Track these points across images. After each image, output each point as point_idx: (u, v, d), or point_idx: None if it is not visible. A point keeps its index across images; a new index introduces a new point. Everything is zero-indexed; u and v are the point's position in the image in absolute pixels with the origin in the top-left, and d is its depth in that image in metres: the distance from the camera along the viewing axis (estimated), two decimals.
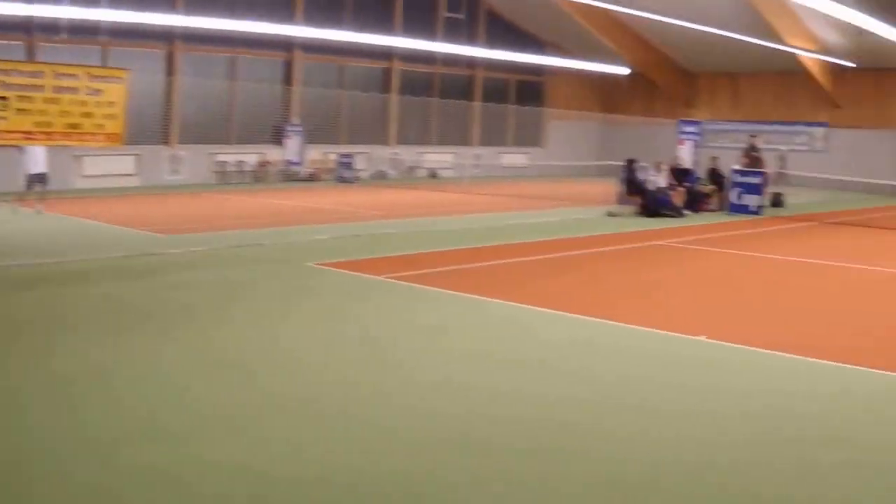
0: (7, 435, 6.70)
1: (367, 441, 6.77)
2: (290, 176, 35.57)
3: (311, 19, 34.28)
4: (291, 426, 7.13)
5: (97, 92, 25.85)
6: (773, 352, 9.75)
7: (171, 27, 31.31)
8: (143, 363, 8.80)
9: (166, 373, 8.53)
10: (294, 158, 35.85)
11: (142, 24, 28.93)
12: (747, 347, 9.93)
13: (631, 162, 25.94)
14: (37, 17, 27.56)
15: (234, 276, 13.99)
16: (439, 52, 39.28)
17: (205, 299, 12.19)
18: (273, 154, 35.80)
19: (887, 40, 29.46)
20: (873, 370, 9.12)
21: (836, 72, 40.12)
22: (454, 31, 40.86)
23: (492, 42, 40.91)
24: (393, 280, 13.53)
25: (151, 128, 32.67)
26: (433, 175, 39.82)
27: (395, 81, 39.89)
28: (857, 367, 9.22)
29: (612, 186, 26.76)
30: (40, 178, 22.47)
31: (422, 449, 6.69)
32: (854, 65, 38.35)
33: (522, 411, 7.59)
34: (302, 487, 5.96)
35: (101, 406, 7.53)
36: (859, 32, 30.53)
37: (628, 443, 6.88)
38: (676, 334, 10.48)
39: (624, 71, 42.92)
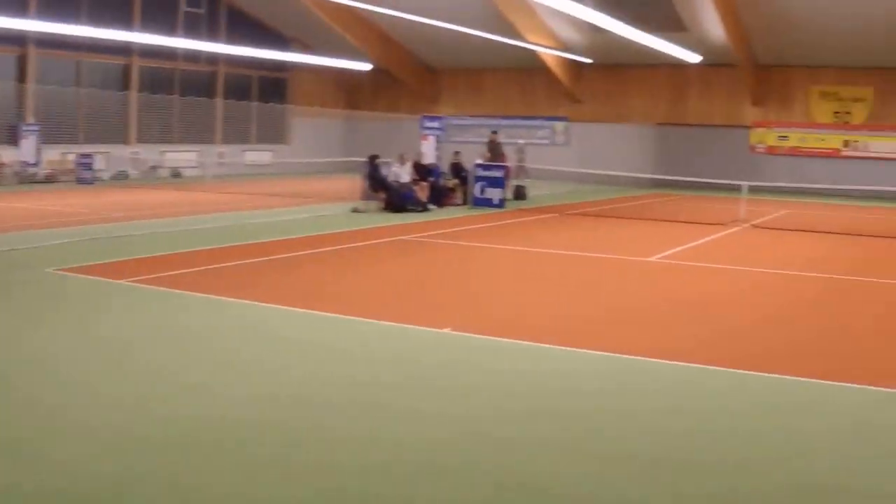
0: None
1: (120, 449, 6.52)
2: (27, 178, 34.15)
3: (46, 12, 32.89)
4: (37, 438, 6.71)
5: None
6: (511, 340, 9.98)
7: None
8: None
9: None
10: (30, 159, 34.45)
11: None
12: (489, 337, 10.08)
13: (374, 158, 25.94)
14: None
15: None
16: (180, 48, 38.44)
17: None
18: (7, 155, 34.33)
19: (622, 37, 30.45)
20: (590, 351, 9.68)
21: (574, 68, 41.41)
22: (195, 27, 40.07)
23: (234, 37, 40.20)
24: (137, 284, 13.06)
25: None
26: (176, 174, 38.99)
27: (135, 78, 38.84)
28: (585, 350, 9.66)
29: (357, 183, 26.77)
30: None
31: (169, 452, 6.47)
32: (591, 61, 39.60)
33: (267, 413, 7.43)
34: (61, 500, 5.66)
35: None
36: (596, 30, 31.52)
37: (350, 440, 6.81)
38: (422, 327, 10.52)
39: (367, 67, 43.03)
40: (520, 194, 29.11)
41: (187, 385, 8.20)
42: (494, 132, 31.37)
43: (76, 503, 5.63)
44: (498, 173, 26.83)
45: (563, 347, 9.75)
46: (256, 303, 11.78)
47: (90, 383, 8.17)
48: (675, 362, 9.27)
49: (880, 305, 13.36)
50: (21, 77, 35.07)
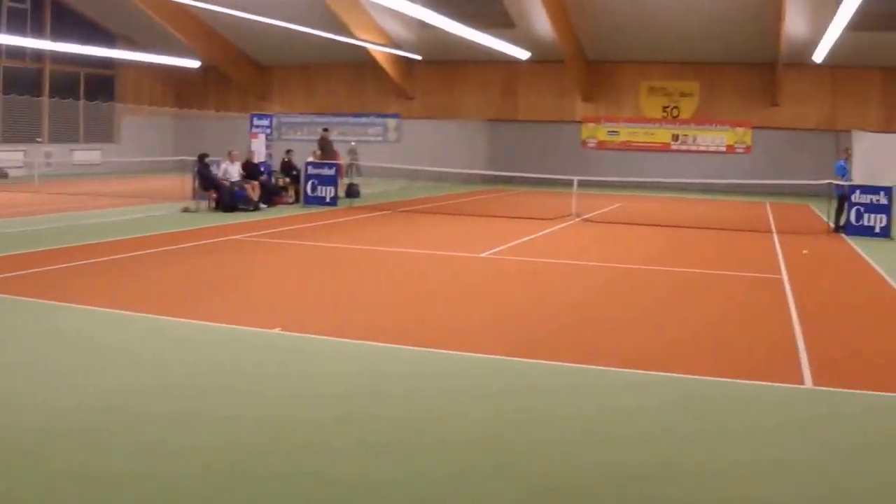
0: None
1: None
2: None
3: None
4: None
5: None
6: (340, 339, 10.17)
7: None
8: None
9: None
10: None
11: None
12: (318, 336, 10.26)
13: (203, 157, 25.80)
14: None
15: None
16: (2, 44, 37.54)
17: None
18: None
19: (451, 34, 30.87)
20: (407, 347, 9.88)
21: (405, 64, 41.80)
22: (19, 22, 39.17)
23: (59, 34, 39.45)
24: None
25: None
26: (2, 175, 38.07)
27: None
28: (425, 349, 9.86)
29: (188, 182, 26.60)
30: None
31: None
32: (421, 58, 39.97)
33: (74, 422, 7.41)
34: None
35: None
36: (425, 26, 31.88)
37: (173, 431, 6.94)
38: (251, 328, 10.57)
39: (195, 64, 42.65)
40: (352, 192, 29.30)
41: None
42: (325, 130, 31.59)
43: None
44: (329, 171, 26.97)
45: (386, 345, 9.98)
46: (74, 306, 11.66)
47: None
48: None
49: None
50: None
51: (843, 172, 23.08)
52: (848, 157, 24.40)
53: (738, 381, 8.80)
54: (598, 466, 6.60)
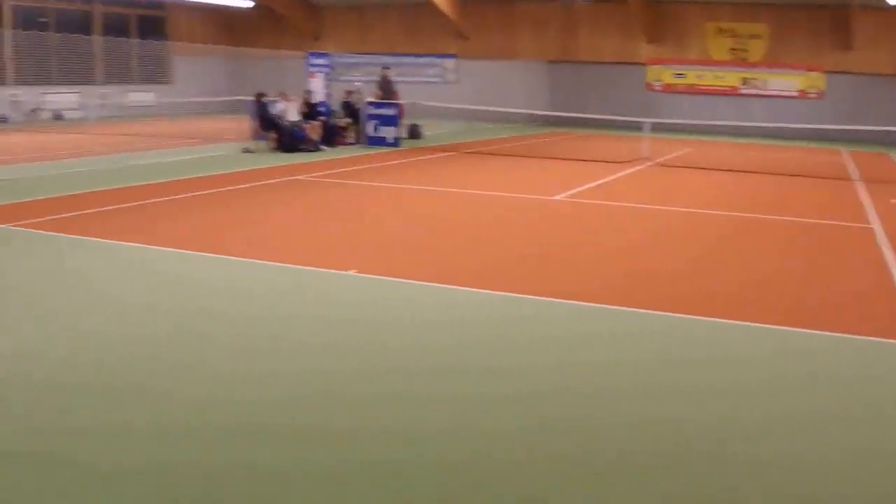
0: None
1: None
2: None
3: None
4: None
5: None
6: (418, 282, 9.71)
7: None
8: None
9: None
10: None
11: None
12: (394, 279, 9.78)
13: (261, 96, 25.28)
14: None
15: None
16: None
17: None
18: None
19: None
20: (500, 292, 9.42)
21: (461, 3, 40.81)
22: None
23: None
24: (21, 227, 12.45)
25: None
26: (58, 117, 37.77)
27: (6, 17, 37.43)
28: (492, 292, 9.41)
29: (245, 122, 26.10)
30: None
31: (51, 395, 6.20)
32: None
33: (149, 352, 7.16)
34: None
35: None
36: None
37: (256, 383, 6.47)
38: (325, 270, 10.17)
39: (248, 4, 42.05)
40: (415, 133, 28.63)
41: (83, 330, 7.83)
42: (386, 68, 30.72)
43: None
44: (391, 111, 26.34)
45: (464, 288, 9.52)
46: (149, 246, 11.32)
47: None
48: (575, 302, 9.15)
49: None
50: None
51: None
52: None
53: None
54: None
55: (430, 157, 23.69)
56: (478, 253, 11.63)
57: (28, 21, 38.14)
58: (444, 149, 25.86)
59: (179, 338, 7.63)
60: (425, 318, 8.51)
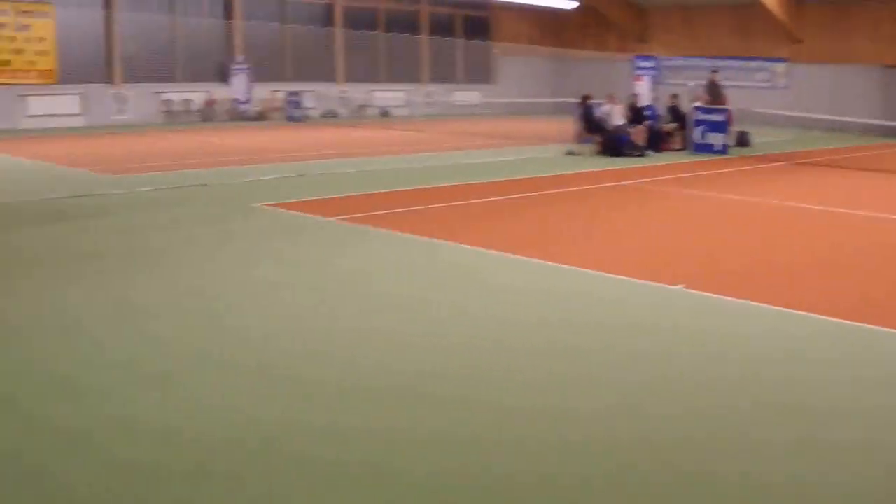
0: None
1: (293, 395, 6.12)
2: (238, 115, 34.63)
3: None
4: (215, 383, 6.32)
5: (25, 27, 24.98)
6: (756, 303, 8.73)
7: None
8: (58, 310, 8.16)
9: (84, 320, 7.88)
10: (241, 97, 34.87)
11: None
12: (726, 298, 8.92)
13: (586, 98, 25.03)
14: None
15: (173, 217, 13.25)
16: None
17: (142, 242, 11.38)
18: (220, 92, 34.76)
19: None
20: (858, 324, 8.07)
21: (794, 5, 39.26)
22: None
23: None
24: (343, 222, 12.64)
25: (93, 66, 31.92)
26: (384, 113, 38.79)
27: (339, 16, 38.70)
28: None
29: (569, 124, 25.86)
30: None
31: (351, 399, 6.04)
32: None
33: (464, 360, 6.89)
34: (237, 452, 5.18)
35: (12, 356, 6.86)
36: None
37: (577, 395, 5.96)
38: (650, 282, 9.50)
39: (573, 5, 41.89)
40: (743, 140, 27.58)
41: (400, 339, 7.52)
42: (714, 71, 29.79)
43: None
44: (720, 117, 25.48)
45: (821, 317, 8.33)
46: (471, 247, 11.13)
47: (280, 321, 7.75)
48: None
49: None
50: (228, 15, 35.36)
51: None
52: None
53: None
54: None
55: (761, 166, 22.57)
56: (823, 275, 10.51)
57: (358, 20, 39.33)
58: (775, 158, 24.67)
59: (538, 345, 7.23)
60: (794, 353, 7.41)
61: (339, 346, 7.21)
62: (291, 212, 13.58)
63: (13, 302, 8.41)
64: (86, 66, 32.07)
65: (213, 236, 11.80)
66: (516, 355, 7.07)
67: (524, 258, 10.54)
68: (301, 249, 10.98)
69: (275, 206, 14.05)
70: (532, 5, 41.80)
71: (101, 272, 9.70)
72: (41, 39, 29.05)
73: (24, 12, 28.07)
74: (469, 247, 11.11)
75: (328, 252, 10.83)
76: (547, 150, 24.48)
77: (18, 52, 28.50)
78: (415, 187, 16.65)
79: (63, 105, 31.47)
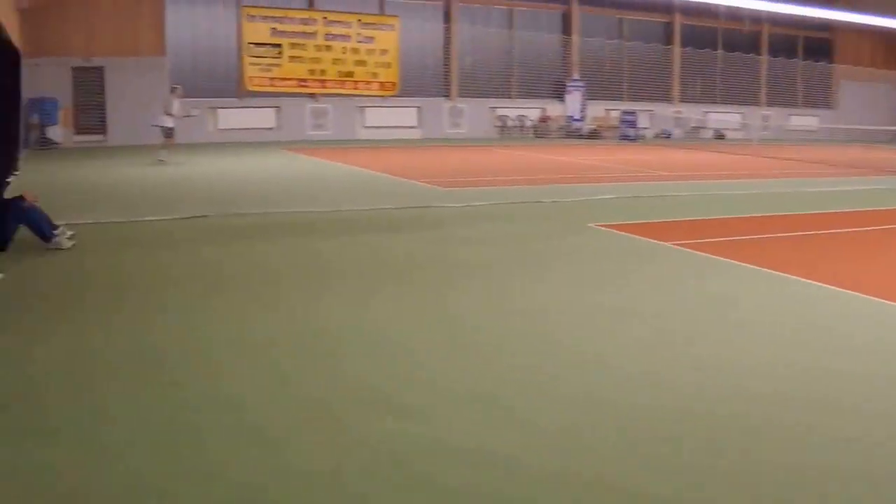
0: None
1: (630, 428, 5.58)
2: (572, 132, 34.81)
3: None
4: (544, 408, 5.92)
5: (369, 39, 25.86)
6: None
7: None
8: (371, 324, 7.98)
9: (404, 336, 7.67)
10: (575, 115, 35.02)
11: None
12: None
13: None
14: None
15: (509, 234, 13.20)
16: (722, 6, 37.11)
17: (474, 257, 11.31)
18: (554, 109, 35.00)
19: None
20: None
21: None
22: None
23: None
24: (680, 247, 12.16)
25: (431, 79, 32.77)
26: (719, 136, 38.01)
27: (677, 36, 38.22)
28: None
29: None
30: (168, 133, 23.44)
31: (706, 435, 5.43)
32: None
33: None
34: (567, 487, 4.77)
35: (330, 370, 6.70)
36: None
37: None
38: None
39: None
40: None
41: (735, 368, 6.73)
42: None
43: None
44: None
45: None
46: (819, 283, 10.04)
47: (620, 348, 7.08)
48: None
49: None
50: (565, 32, 35.59)
51: None
52: None
53: None
54: None
55: None
56: None
57: (696, 39, 38.77)
58: None
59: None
60: None
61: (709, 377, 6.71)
62: (625, 234, 13.26)
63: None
64: (424, 79, 32.90)
65: (545, 255, 11.63)
66: None
67: (885, 301, 9.34)
68: (635, 275, 10.50)
69: (609, 227, 13.77)
70: (877, 26, 39.80)
71: (413, 282, 9.77)
72: (384, 51, 29.94)
73: (369, 24, 29.00)
74: (825, 285, 9.97)
75: (670, 279, 10.28)
76: (887, 181, 23.07)
77: (360, 63, 29.46)
78: (756, 214, 15.85)
79: (400, 117, 32.40)
